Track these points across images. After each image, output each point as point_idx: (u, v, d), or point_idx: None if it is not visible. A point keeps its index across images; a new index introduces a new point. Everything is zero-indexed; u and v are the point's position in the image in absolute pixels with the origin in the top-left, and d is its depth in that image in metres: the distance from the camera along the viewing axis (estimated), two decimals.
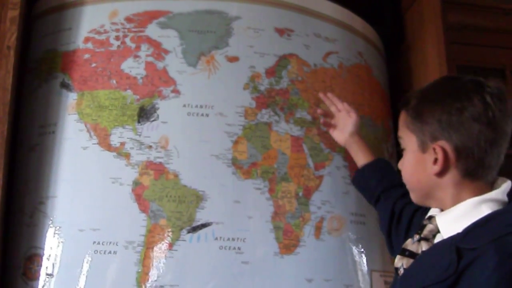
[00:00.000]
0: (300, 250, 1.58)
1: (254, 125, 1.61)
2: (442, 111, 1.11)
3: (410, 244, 1.20)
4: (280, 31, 1.72)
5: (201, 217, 1.54)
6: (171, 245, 1.52)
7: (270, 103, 1.64)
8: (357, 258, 1.64)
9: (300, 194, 1.60)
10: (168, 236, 1.52)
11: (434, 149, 1.12)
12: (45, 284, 1.53)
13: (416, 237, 1.19)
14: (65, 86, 1.64)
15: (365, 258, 1.67)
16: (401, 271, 1.19)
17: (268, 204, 1.58)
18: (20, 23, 1.62)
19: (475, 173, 1.11)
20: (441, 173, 1.13)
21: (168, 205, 1.53)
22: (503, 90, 1.13)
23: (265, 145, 1.61)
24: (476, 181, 1.12)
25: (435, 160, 1.12)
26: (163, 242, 1.52)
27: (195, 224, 1.54)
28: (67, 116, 1.61)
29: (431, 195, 1.18)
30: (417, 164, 1.18)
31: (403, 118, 1.22)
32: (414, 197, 1.24)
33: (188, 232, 1.53)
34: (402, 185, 1.33)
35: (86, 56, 1.65)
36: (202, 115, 1.59)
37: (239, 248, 1.54)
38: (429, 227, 1.17)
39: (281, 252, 1.56)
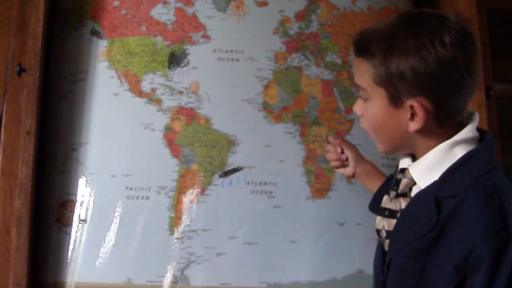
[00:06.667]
0: (332, 194, 1.58)
1: (285, 69, 1.61)
2: (418, 65, 0.99)
3: (388, 202, 1.13)
4: None
5: (232, 161, 1.55)
6: (203, 190, 1.53)
7: (300, 47, 1.63)
8: None
9: None
10: (200, 181, 1.53)
11: (411, 106, 1.01)
12: (78, 229, 1.55)
13: (393, 193, 1.12)
14: (95, 33, 1.64)
15: None
16: (383, 233, 1.13)
17: (300, 148, 1.58)
18: None
19: (452, 120, 1.04)
20: (420, 129, 1.03)
21: (200, 150, 1.54)
22: (469, 25, 1.03)
23: (295, 89, 1.61)
24: (449, 125, 1.05)
25: (412, 116, 1.02)
26: (195, 187, 1.53)
27: (227, 168, 1.55)
28: (98, 63, 1.62)
29: (403, 146, 1.11)
30: (388, 119, 1.07)
31: (363, 68, 1.08)
32: (382, 149, 1.14)
33: (220, 176, 1.54)
34: None
35: (116, 3, 1.64)
36: (233, 60, 1.59)
37: (271, 192, 1.55)
38: (404, 181, 1.10)
39: (313, 196, 1.57)
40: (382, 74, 1.03)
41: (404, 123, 1.04)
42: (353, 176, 1.44)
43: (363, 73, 1.08)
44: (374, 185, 1.43)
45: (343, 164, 1.43)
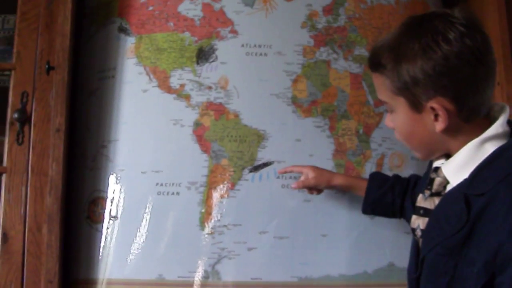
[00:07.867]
0: None
1: (313, 63, 1.61)
2: (427, 66, 1.00)
3: (423, 201, 1.14)
4: None
5: (262, 156, 1.55)
6: (233, 185, 1.53)
7: (328, 40, 1.63)
8: None
9: (361, 131, 1.60)
10: (230, 176, 1.53)
11: (432, 108, 1.03)
12: (109, 226, 1.56)
13: (427, 192, 1.13)
14: (123, 30, 1.65)
15: None
16: (418, 232, 1.14)
17: (329, 141, 1.58)
18: None
19: (477, 114, 1.04)
20: (446, 128, 1.04)
21: (230, 145, 1.54)
22: (474, 16, 1.04)
23: (324, 83, 1.60)
24: (477, 120, 1.05)
25: (436, 117, 1.03)
26: (225, 182, 1.53)
27: (256, 163, 1.55)
28: (126, 60, 1.63)
29: (437, 148, 1.11)
30: (415, 125, 1.09)
31: (380, 81, 1.11)
32: (419, 155, 1.17)
33: (250, 171, 1.54)
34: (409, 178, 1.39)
35: (143, 0, 1.65)
36: (261, 54, 1.59)
37: None
38: (438, 180, 1.11)
39: None
40: (397, 83, 1.06)
41: (430, 126, 1.05)
42: None
43: (381, 86, 1.11)
44: (358, 190, 1.48)
45: (320, 192, 1.54)
